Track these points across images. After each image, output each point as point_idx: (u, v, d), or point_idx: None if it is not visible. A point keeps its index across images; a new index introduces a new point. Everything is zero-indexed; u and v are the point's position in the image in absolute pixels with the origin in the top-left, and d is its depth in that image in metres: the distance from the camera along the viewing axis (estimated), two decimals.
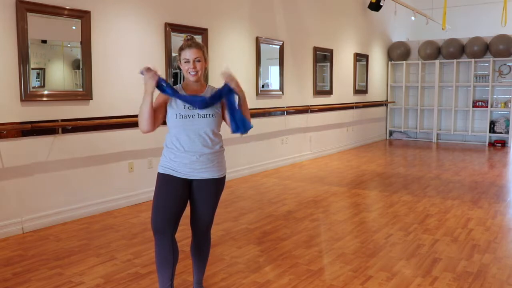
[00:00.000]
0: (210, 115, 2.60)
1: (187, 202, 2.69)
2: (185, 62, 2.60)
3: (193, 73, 2.60)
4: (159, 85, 2.52)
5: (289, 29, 7.79)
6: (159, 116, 2.62)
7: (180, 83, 5.66)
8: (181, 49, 2.63)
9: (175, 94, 2.56)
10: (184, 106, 2.58)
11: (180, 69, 2.72)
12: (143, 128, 2.58)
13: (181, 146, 2.60)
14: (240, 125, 2.61)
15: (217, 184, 2.70)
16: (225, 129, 2.70)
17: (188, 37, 2.65)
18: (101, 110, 4.85)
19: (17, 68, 4.14)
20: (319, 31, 8.64)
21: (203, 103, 2.55)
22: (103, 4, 4.84)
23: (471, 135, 10.79)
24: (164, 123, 2.68)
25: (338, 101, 9.47)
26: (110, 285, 3.13)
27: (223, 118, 2.71)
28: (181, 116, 2.58)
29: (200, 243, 2.81)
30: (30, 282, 3.17)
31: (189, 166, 2.60)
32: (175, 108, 2.59)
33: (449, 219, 4.69)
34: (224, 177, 2.74)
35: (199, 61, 2.60)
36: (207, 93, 2.66)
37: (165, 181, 2.63)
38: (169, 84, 2.57)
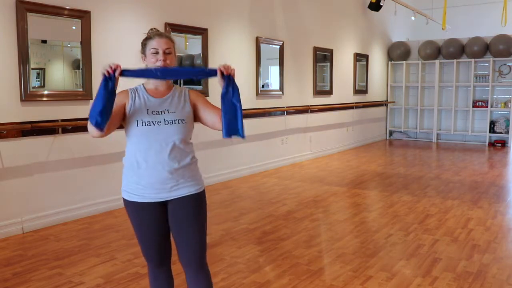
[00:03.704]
0: (180, 121, 2.15)
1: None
2: (153, 53, 2.16)
3: (161, 65, 2.14)
4: (124, 74, 2.05)
5: (289, 29, 7.79)
6: (114, 120, 2.10)
7: (180, 85, 5.67)
8: (147, 38, 2.21)
9: (147, 70, 2.14)
10: (147, 110, 2.14)
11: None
12: (92, 132, 2.06)
13: (144, 160, 2.11)
14: (240, 128, 2.08)
15: (197, 200, 2.20)
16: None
17: (154, 29, 2.28)
18: None
19: (17, 68, 4.15)
20: (319, 31, 8.64)
21: (187, 73, 2.23)
22: (103, 4, 4.84)
23: (471, 135, 10.79)
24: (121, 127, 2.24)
25: (338, 101, 9.47)
26: (110, 285, 3.13)
27: (200, 120, 2.26)
28: (143, 123, 2.11)
29: (197, 282, 2.22)
30: (30, 282, 3.17)
31: (156, 186, 2.12)
32: (136, 113, 2.13)
33: (449, 219, 4.69)
34: (204, 191, 2.25)
35: (169, 53, 2.17)
36: (175, 96, 2.22)
37: (135, 212, 2.19)
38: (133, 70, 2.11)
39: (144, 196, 2.14)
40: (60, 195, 4.55)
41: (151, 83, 2.23)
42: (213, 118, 2.21)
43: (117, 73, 2.00)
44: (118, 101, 2.11)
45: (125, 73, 2.03)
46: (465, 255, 3.68)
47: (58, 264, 3.50)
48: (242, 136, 2.07)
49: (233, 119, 2.05)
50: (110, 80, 1.99)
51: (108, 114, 1.99)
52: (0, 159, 4.09)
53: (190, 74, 2.05)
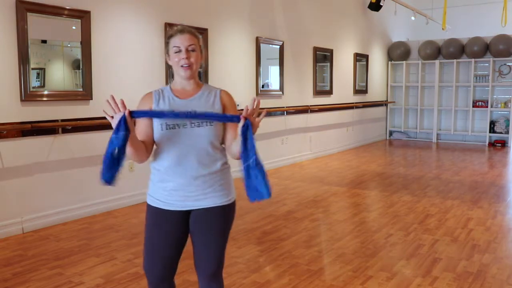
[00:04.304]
0: (207, 123, 1.99)
1: (186, 241, 2.11)
2: (176, 53, 2.00)
3: (185, 65, 1.99)
4: (133, 116, 1.89)
5: (289, 29, 7.79)
6: (150, 136, 2.02)
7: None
8: (169, 36, 2.04)
9: (157, 113, 1.98)
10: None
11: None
12: (136, 161, 2.02)
13: (170, 165, 1.99)
14: (262, 189, 1.92)
15: (223, 213, 2.07)
16: None
17: (179, 26, 2.08)
18: (101, 110, 4.84)
19: (17, 68, 4.14)
20: (319, 31, 8.64)
21: (196, 117, 1.97)
22: (103, 4, 4.84)
23: (471, 135, 10.79)
24: None
25: (338, 101, 9.47)
26: (110, 285, 3.13)
27: (224, 133, 2.08)
28: (168, 126, 1.97)
29: None
30: (30, 282, 3.17)
31: (182, 193, 2.00)
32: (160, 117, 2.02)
33: (449, 219, 4.69)
34: (234, 203, 2.14)
35: (193, 50, 2.01)
36: (203, 96, 2.06)
37: (155, 218, 2.06)
38: (143, 111, 1.99)
39: (169, 203, 2.01)
40: (60, 195, 4.55)
41: (178, 83, 2.08)
42: (229, 140, 2.04)
43: (126, 113, 1.82)
44: (143, 109, 2.03)
45: (134, 114, 1.87)
46: (465, 255, 3.68)
47: (58, 264, 3.50)
48: (267, 197, 1.91)
49: (253, 182, 1.90)
50: (120, 127, 1.80)
51: (120, 166, 1.88)
52: (0, 159, 4.09)
53: (208, 118, 1.98)
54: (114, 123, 1.83)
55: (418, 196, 5.69)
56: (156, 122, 2.01)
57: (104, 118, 5.10)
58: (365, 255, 3.69)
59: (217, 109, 2.05)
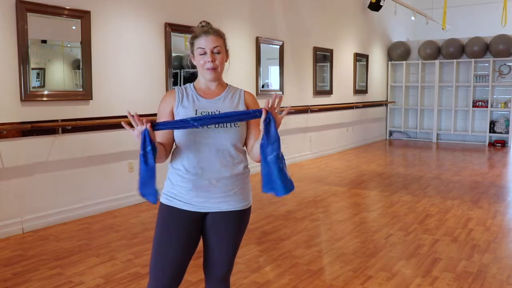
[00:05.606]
0: (232, 125, 1.96)
1: (198, 244, 2.05)
2: (200, 54, 1.97)
3: (210, 68, 1.97)
4: (156, 129, 1.86)
5: (289, 29, 7.79)
6: (171, 138, 2.00)
7: (180, 85, 5.67)
8: (194, 37, 2.00)
9: (181, 124, 1.90)
10: (196, 111, 1.96)
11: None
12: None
13: (192, 167, 1.95)
14: (283, 185, 1.93)
15: (240, 218, 2.03)
16: None
17: (204, 23, 2.02)
18: (101, 110, 4.86)
19: (17, 68, 4.14)
20: (319, 31, 8.65)
21: (228, 118, 1.91)
22: (103, 4, 4.84)
23: (471, 135, 10.79)
24: None
25: (338, 101, 9.47)
26: (110, 285, 3.13)
27: (247, 135, 2.05)
28: None
29: None
30: (30, 282, 3.18)
31: (202, 194, 1.96)
32: (183, 116, 1.96)
33: (449, 219, 4.69)
34: (250, 208, 2.08)
35: (218, 52, 1.98)
36: (228, 96, 2.04)
37: (169, 218, 1.99)
38: (165, 123, 1.93)
39: (189, 204, 1.96)
40: (60, 195, 4.55)
41: (202, 83, 2.05)
42: (252, 140, 2.03)
43: (148, 127, 1.79)
44: (165, 108, 2.00)
45: (156, 127, 1.85)
46: (465, 255, 3.68)
47: (58, 264, 3.50)
48: (279, 194, 1.90)
49: (270, 175, 1.89)
50: (146, 142, 1.79)
51: (155, 179, 1.86)
52: (0, 159, 4.09)
53: (232, 118, 1.91)
54: (135, 135, 1.82)
55: (418, 196, 5.69)
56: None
57: (104, 118, 5.09)
58: (365, 255, 3.69)
59: (241, 110, 2.02)
